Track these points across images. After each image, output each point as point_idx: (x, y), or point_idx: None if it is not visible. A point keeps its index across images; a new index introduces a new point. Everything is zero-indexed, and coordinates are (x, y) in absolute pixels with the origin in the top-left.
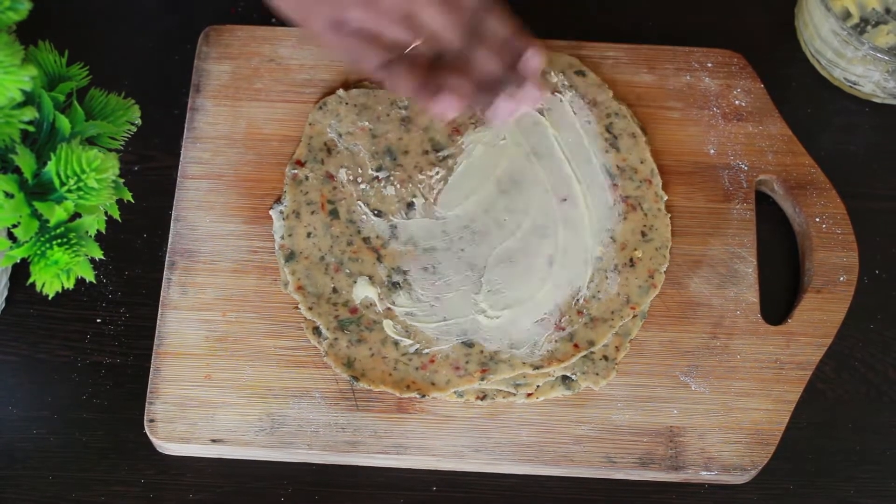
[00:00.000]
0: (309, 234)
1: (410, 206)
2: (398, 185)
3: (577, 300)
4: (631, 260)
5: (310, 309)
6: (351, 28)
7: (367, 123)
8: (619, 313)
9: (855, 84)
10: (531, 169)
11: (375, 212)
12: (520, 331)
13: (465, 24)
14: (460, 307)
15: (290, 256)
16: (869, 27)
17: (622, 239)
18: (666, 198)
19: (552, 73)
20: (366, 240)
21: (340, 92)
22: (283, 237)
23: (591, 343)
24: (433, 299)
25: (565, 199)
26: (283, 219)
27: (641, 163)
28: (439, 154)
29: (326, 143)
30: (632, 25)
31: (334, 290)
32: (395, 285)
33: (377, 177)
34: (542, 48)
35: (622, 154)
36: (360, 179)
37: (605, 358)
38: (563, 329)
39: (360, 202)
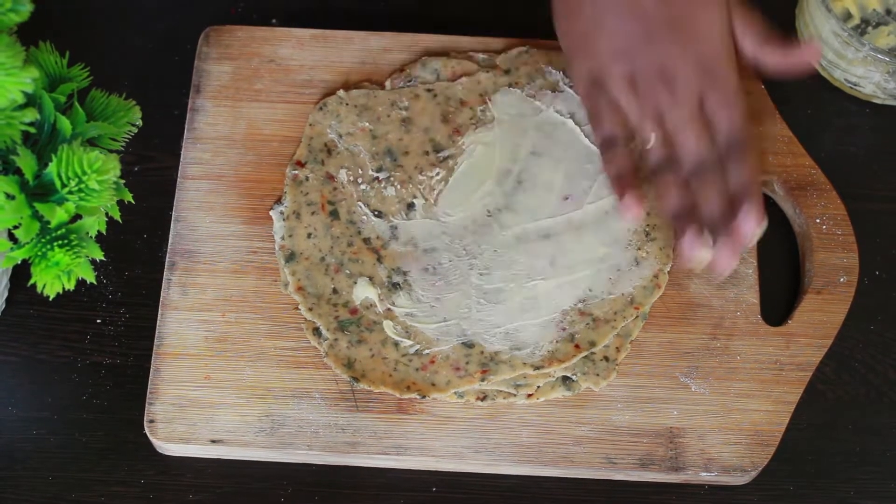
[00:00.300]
0: (309, 235)
1: (411, 206)
2: (398, 186)
3: (581, 300)
4: (636, 259)
5: (310, 310)
6: (606, 92)
7: (367, 124)
8: (622, 314)
9: (855, 85)
10: (532, 168)
11: (376, 212)
12: (521, 331)
13: (707, 155)
14: (461, 308)
15: (291, 257)
16: (870, 28)
17: (625, 239)
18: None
19: (551, 71)
20: (366, 240)
21: (341, 93)
22: (283, 238)
23: (593, 344)
24: (433, 300)
25: (567, 199)
26: (284, 219)
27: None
28: (440, 155)
29: (327, 144)
30: None
31: (334, 291)
32: (395, 286)
33: (377, 177)
34: (760, 210)
35: None
36: (360, 180)
37: (606, 359)
38: (565, 329)
39: (360, 203)
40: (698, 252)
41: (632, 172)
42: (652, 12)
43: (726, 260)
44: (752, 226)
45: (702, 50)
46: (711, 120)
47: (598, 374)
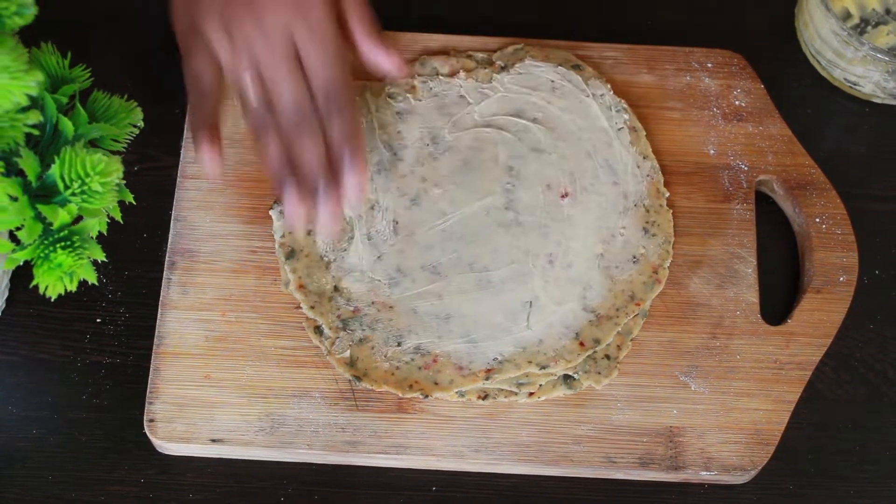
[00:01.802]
0: (309, 232)
1: (414, 202)
2: (398, 180)
3: (581, 297)
4: (634, 255)
5: (312, 308)
6: (201, 35)
7: (363, 118)
8: (623, 310)
9: (855, 84)
10: (532, 165)
11: (376, 207)
12: (524, 330)
13: (302, 103)
14: (461, 306)
15: (291, 254)
16: (869, 28)
17: (624, 236)
18: (668, 194)
19: (549, 68)
20: (367, 235)
21: None
22: (283, 235)
23: (597, 341)
24: (435, 298)
25: (566, 196)
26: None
27: (644, 158)
28: (440, 147)
29: None
30: (631, 26)
31: (336, 289)
32: (395, 283)
33: (377, 171)
34: (362, 163)
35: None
36: None
37: (607, 357)
38: (568, 327)
39: None
40: (298, 210)
41: (213, 123)
42: None
43: (329, 217)
44: (353, 180)
45: None
46: (307, 70)
47: (599, 373)
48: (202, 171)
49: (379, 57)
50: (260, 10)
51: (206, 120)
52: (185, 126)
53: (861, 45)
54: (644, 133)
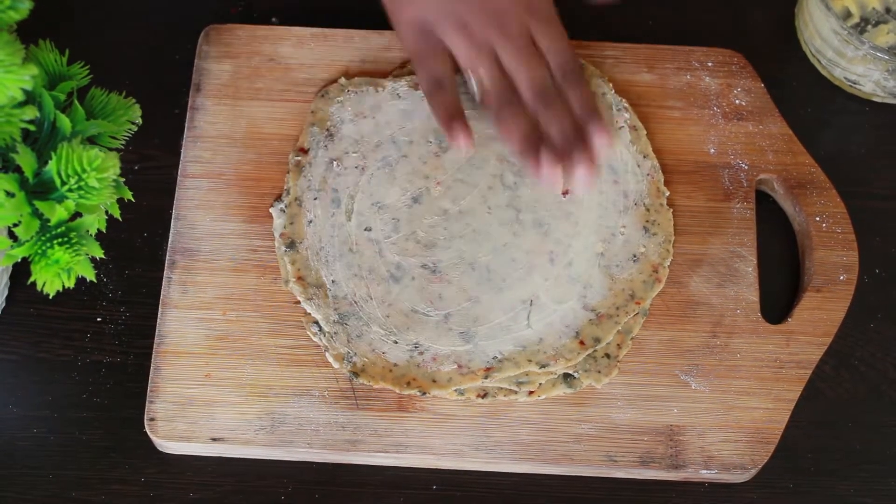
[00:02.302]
0: (310, 222)
1: (416, 199)
2: (401, 176)
3: (581, 296)
4: (635, 254)
5: (309, 300)
6: (433, 38)
7: (369, 112)
8: (623, 308)
9: (855, 83)
10: None
11: (378, 204)
12: (524, 329)
13: (546, 81)
14: (461, 304)
15: (291, 245)
16: (869, 26)
17: (625, 234)
18: (668, 193)
19: None
20: (367, 230)
21: (342, 80)
22: (284, 226)
23: (598, 340)
24: (435, 296)
25: (566, 194)
26: (286, 207)
27: (644, 157)
28: (443, 145)
29: (329, 130)
30: (632, 25)
31: (334, 282)
32: (395, 280)
33: (380, 167)
34: (606, 127)
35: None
36: (363, 167)
37: (607, 356)
38: (568, 326)
39: (361, 192)
40: (557, 172)
41: (460, 110)
42: None
43: (585, 176)
44: (602, 140)
45: None
46: (545, 53)
47: (599, 371)
48: (461, 150)
49: None
50: (497, 9)
51: (453, 111)
52: (186, 124)
53: (861, 43)
54: (644, 132)
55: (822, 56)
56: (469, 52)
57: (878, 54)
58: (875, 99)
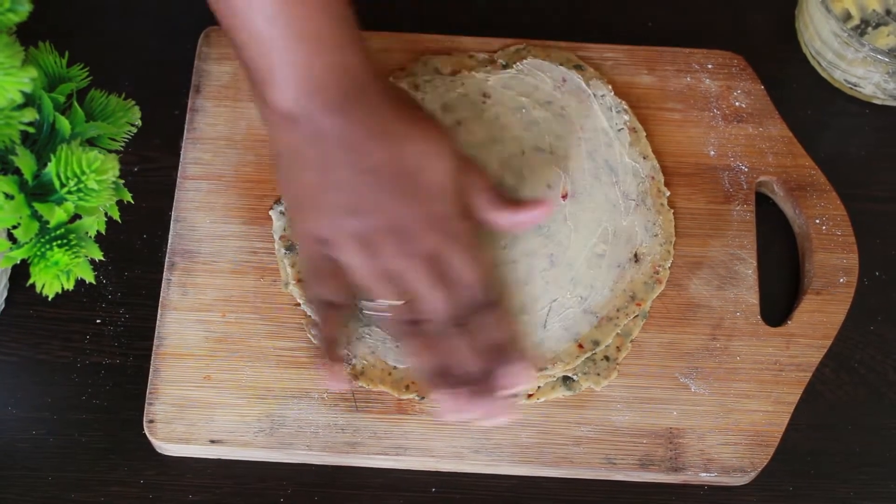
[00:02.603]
0: None
1: None
2: None
3: (582, 298)
4: (636, 255)
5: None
6: (330, 253)
7: None
8: (624, 310)
9: (855, 86)
10: (533, 164)
11: None
12: (522, 332)
13: (451, 313)
14: None
15: (291, 247)
16: (869, 28)
17: (625, 236)
18: (668, 193)
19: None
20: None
21: None
22: (284, 228)
23: (596, 343)
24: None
25: (566, 196)
26: (286, 209)
27: (644, 158)
28: None
29: None
30: (632, 26)
31: None
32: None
33: None
34: (522, 364)
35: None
36: None
37: (606, 358)
38: (567, 329)
39: None
40: (457, 413)
41: (342, 341)
42: (381, 166)
43: (487, 413)
44: (511, 379)
45: (433, 205)
46: (451, 279)
47: (598, 374)
48: (333, 387)
49: (519, 218)
50: (403, 231)
51: (336, 341)
52: (185, 126)
53: (861, 46)
54: (644, 134)
55: (822, 58)
56: (369, 275)
57: (879, 56)
58: (875, 101)
